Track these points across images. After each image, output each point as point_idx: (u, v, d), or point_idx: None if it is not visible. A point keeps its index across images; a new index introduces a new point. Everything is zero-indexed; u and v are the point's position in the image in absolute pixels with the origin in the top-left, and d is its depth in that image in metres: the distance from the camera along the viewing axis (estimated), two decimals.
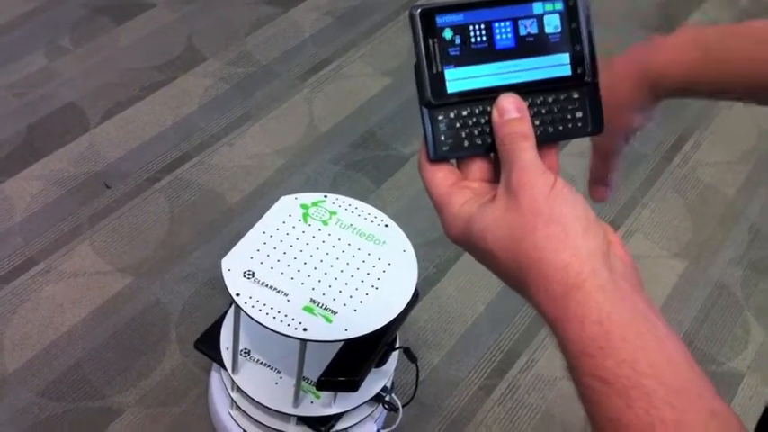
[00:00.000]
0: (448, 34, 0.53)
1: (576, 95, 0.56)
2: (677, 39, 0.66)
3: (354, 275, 1.17)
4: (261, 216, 1.23)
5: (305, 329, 1.09)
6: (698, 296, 1.87)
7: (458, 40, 0.54)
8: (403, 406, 1.39)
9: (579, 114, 0.56)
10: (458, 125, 0.54)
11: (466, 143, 0.54)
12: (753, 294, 1.89)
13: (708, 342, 1.78)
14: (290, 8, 2.47)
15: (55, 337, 1.61)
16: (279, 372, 1.29)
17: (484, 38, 0.54)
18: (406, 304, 1.15)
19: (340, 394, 1.26)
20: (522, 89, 0.54)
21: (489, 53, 0.54)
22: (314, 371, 1.21)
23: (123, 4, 2.39)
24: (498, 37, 0.54)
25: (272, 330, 1.09)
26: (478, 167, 0.55)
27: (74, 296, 1.68)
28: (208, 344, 1.32)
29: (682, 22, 2.54)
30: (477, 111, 0.54)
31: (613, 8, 2.55)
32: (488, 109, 0.54)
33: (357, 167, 2.02)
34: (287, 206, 1.25)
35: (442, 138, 0.54)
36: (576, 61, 0.55)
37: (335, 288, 1.15)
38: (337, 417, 1.29)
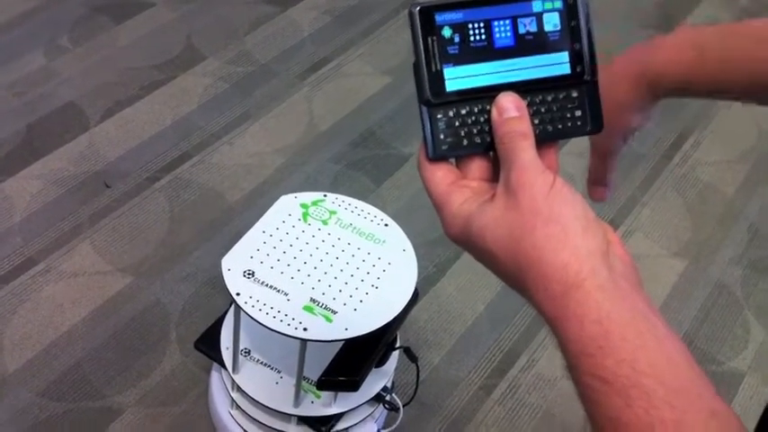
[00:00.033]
0: (447, 32, 0.53)
1: (575, 94, 0.56)
2: (675, 38, 0.66)
3: (354, 275, 1.17)
4: (261, 215, 1.23)
5: (305, 329, 1.09)
6: (698, 296, 1.87)
7: (457, 39, 0.54)
8: (403, 406, 1.39)
9: (578, 113, 0.56)
10: (457, 124, 0.54)
11: (465, 142, 0.54)
12: (753, 294, 1.89)
13: (708, 342, 1.78)
14: (289, 7, 2.47)
15: (55, 337, 1.61)
16: (279, 371, 1.29)
17: (483, 36, 0.54)
18: (406, 304, 1.15)
19: (340, 394, 1.26)
20: (522, 88, 0.54)
21: (488, 51, 0.54)
22: (314, 371, 1.21)
23: (122, 3, 2.39)
24: (497, 35, 0.54)
25: (272, 330, 1.09)
26: (478, 166, 0.55)
27: (74, 296, 1.68)
28: (208, 344, 1.32)
29: (681, 21, 2.54)
30: (476, 109, 0.54)
31: (613, 7, 2.55)
32: (487, 108, 0.54)
33: (357, 166, 2.02)
34: (287, 205, 1.25)
35: (441, 136, 0.54)
36: (575, 60, 0.55)
37: (335, 287, 1.15)
38: (338, 417, 1.28)
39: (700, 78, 0.65)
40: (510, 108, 0.53)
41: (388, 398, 1.34)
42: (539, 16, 0.55)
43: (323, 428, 1.28)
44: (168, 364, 1.59)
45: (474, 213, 0.51)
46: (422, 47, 0.53)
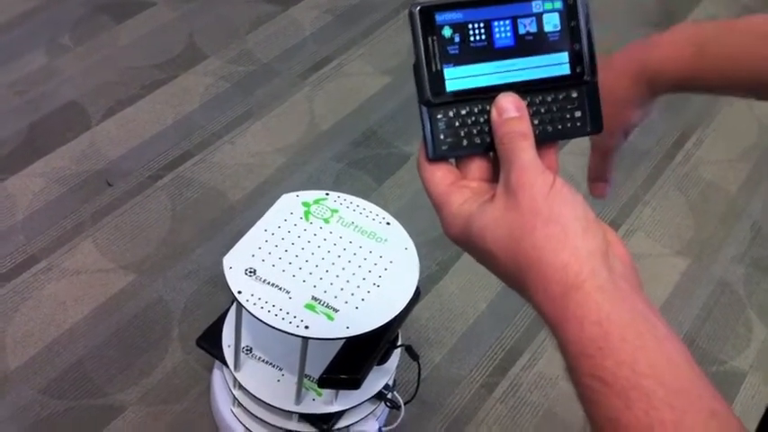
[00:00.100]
0: (447, 32, 0.53)
1: (575, 94, 0.56)
2: (674, 35, 0.66)
3: (356, 273, 1.17)
4: (262, 214, 1.23)
5: (306, 327, 1.09)
6: (700, 294, 1.87)
7: (457, 39, 0.53)
8: (405, 404, 1.39)
9: (578, 114, 0.56)
10: (457, 124, 0.54)
11: (465, 142, 0.54)
12: (755, 292, 1.89)
13: (710, 341, 1.78)
14: (290, 6, 2.47)
15: (57, 335, 1.61)
16: (281, 369, 1.29)
17: (483, 36, 0.54)
18: (407, 302, 1.15)
19: (342, 392, 1.26)
20: (522, 88, 0.54)
21: (488, 52, 0.54)
22: (316, 368, 1.21)
23: (123, 3, 2.39)
24: (497, 35, 0.54)
25: (273, 328, 1.09)
26: (477, 167, 0.55)
27: (76, 294, 1.68)
28: (210, 341, 1.32)
29: (683, 19, 2.54)
30: (476, 110, 0.54)
31: (614, 5, 2.54)
32: (487, 108, 0.54)
33: (358, 165, 2.02)
34: (288, 204, 1.25)
35: (441, 137, 0.54)
36: (575, 60, 0.55)
37: (337, 286, 1.15)
38: (339, 414, 1.29)
39: (699, 75, 0.65)
40: (510, 108, 0.53)
41: (389, 396, 1.34)
42: (539, 17, 0.54)
43: (324, 426, 1.28)
44: (170, 361, 1.60)
45: (474, 214, 0.51)
46: (422, 47, 0.53)
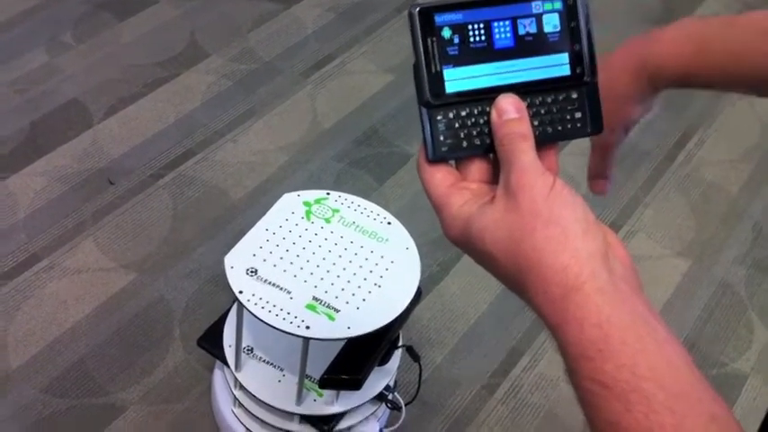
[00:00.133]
0: (447, 33, 0.53)
1: (575, 95, 0.56)
2: (675, 31, 0.66)
3: (357, 273, 1.17)
4: (264, 213, 1.23)
5: (307, 327, 1.09)
6: (701, 296, 1.86)
7: (456, 40, 0.53)
8: (406, 405, 1.39)
9: (578, 115, 0.56)
10: (457, 125, 0.54)
11: (465, 144, 0.54)
12: (756, 294, 1.88)
13: (711, 342, 1.77)
14: (293, 4, 2.46)
15: (58, 334, 1.61)
16: (282, 370, 1.29)
17: (483, 37, 0.54)
18: (408, 302, 1.15)
19: (343, 393, 1.26)
20: (521, 89, 0.54)
21: (488, 53, 0.54)
22: (317, 369, 1.21)
23: (125, 0, 2.39)
24: (497, 36, 0.54)
25: (274, 328, 1.09)
26: (477, 168, 0.55)
27: (77, 293, 1.68)
28: (211, 341, 1.32)
29: (684, 17, 2.53)
30: (476, 111, 0.54)
31: (614, 5, 2.54)
32: (487, 109, 0.54)
33: (360, 165, 2.02)
34: (290, 203, 1.25)
35: (441, 138, 0.54)
36: (575, 61, 0.55)
37: (338, 286, 1.15)
38: (340, 415, 1.29)
39: (700, 71, 0.65)
40: (510, 110, 0.52)
41: (390, 397, 1.34)
42: (538, 17, 0.54)
43: (325, 427, 1.28)
44: (171, 361, 1.60)
45: (474, 215, 0.51)
46: (421, 48, 0.53)
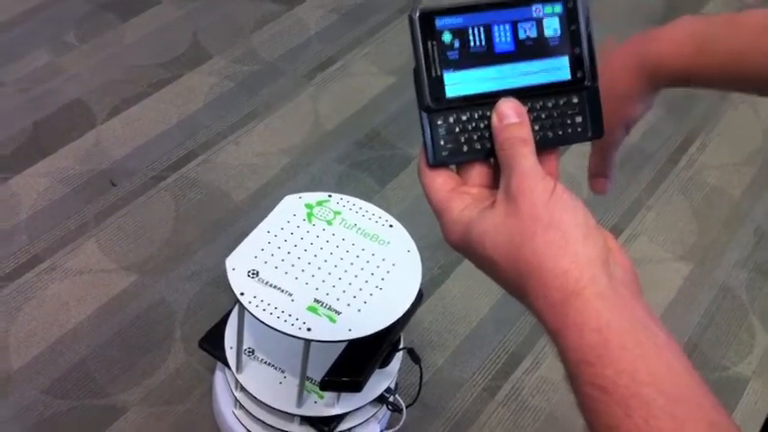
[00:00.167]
0: (447, 37, 0.53)
1: (575, 100, 0.56)
2: (674, 30, 0.65)
3: (358, 275, 1.17)
4: (266, 215, 1.23)
5: (309, 329, 1.09)
6: (703, 299, 1.86)
7: (457, 44, 0.53)
8: (407, 407, 1.39)
9: (579, 119, 0.56)
10: (457, 130, 0.54)
11: (465, 148, 0.54)
12: (758, 298, 1.88)
13: (712, 346, 1.77)
14: (296, 5, 2.47)
15: (60, 335, 1.61)
16: (283, 371, 1.29)
17: (483, 41, 0.54)
18: (410, 305, 1.15)
19: (344, 395, 1.26)
20: (522, 93, 0.54)
21: (488, 57, 0.54)
22: (318, 371, 1.21)
23: (129, 0, 2.40)
24: (497, 40, 0.54)
25: (275, 330, 1.09)
26: (478, 173, 0.55)
27: (79, 294, 1.68)
28: (212, 343, 1.32)
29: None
30: (476, 115, 0.54)
31: (616, 5, 2.54)
32: (488, 114, 0.54)
33: (362, 167, 2.02)
34: (291, 205, 1.25)
35: (442, 143, 0.54)
36: (575, 65, 0.55)
37: (339, 288, 1.15)
38: (341, 417, 1.29)
39: (700, 70, 0.64)
40: (510, 114, 0.52)
41: (391, 399, 1.34)
42: (539, 21, 0.54)
43: (326, 429, 1.28)
44: (172, 362, 1.60)
45: (474, 220, 0.51)
46: (422, 52, 0.53)
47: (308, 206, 1.26)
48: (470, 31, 0.53)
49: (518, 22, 0.54)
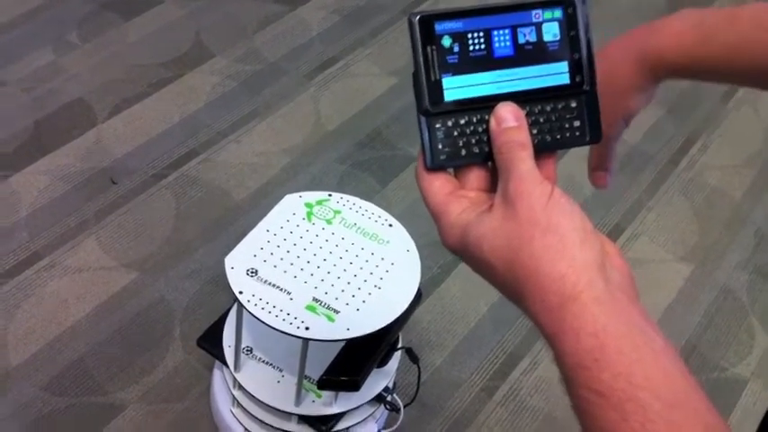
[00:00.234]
0: (446, 42, 0.53)
1: (574, 104, 0.56)
2: (676, 21, 0.65)
3: (357, 275, 1.17)
4: (266, 214, 1.23)
5: (307, 328, 1.09)
6: (703, 300, 1.86)
7: (456, 48, 0.53)
8: (404, 406, 1.39)
9: (577, 123, 0.56)
10: (455, 134, 0.54)
11: (463, 152, 0.54)
12: (758, 299, 1.88)
13: (712, 347, 1.77)
14: (298, 6, 2.47)
15: (59, 332, 1.62)
16: (281, 370, 1.29)
17: (482, 46, 0.54)
18: (408, 304, 1.15)
19: (341, 394, 1.26)
20: (521, 98, 0.54)
21: (488, 61, 0.54)
22: (316, 370, 1.21)
23: (131, 0, 2.40)
24: (497, 45, 0.54)
25: (274, 329, 1.09)
26: (476, 176, 0.55)
27: (78, 291, 1.68)
28: (210, 341, 1.33)
29: None
30: (474, 119, 0.54)
31: (618, 6, 2.54)
32: (486, 117, 0.54)
33: (363, 167, 2.02)
34: (291, 204, 1.25)
35: (440, 146, 0.54)
36: (574, 69, 0.55)
37: (338, 287, 1.15)
38: (338, 416, 1.29)
39: (701, 62, 0.64)
40: (508, 118, 0.52)
41: (389, 398, 1.34)
42: (538, 26, 0.54)
43: (323, 428, 1.28)
44: (171, 360, 1.60)
45: (472, 223, 0.51)
46: (421, 56, 0.53)
47: (308, 205, 1.26)
48: (470, 35, 0.53)
49: (518, 27, 0.54)
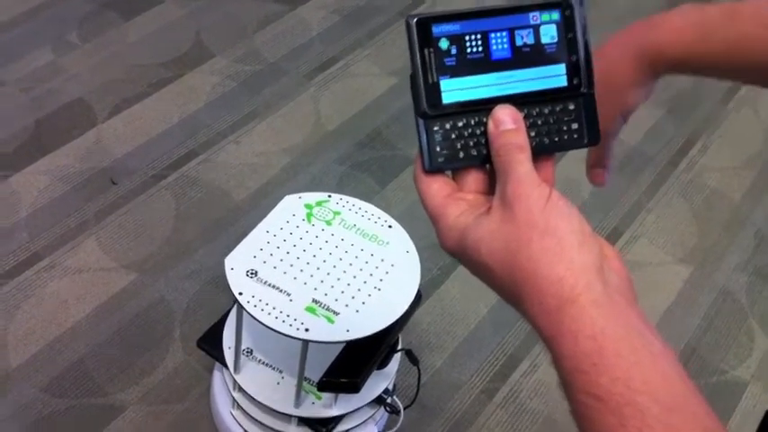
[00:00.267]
0: (444, 44, 0.53)
1: (572, 107, 0.56)
2: (676, 17, 0.65)
3: (357, 276, 1.17)
4: (266, 215, 1.23)
5: (307, 330, 1.09)
6: (702, 302, 1.86)
7: (454, 51, 0.53)
8: (404, 408, 1.39)
9: (575, 126, 0.56)
10: (453, 136, 0.54)
11: (461, 154, 0.54)
12: (757, 301, 1.88)
13: (711, 349, 1.77)
14: (298, 6, 2.47)
15: (58, 333, 1.62)
16: (281, 372, 1.29)
17: (480, 48, 0.54)
18: (408, 306, 1.15)
19: (341, 396, 1.26)
20: (519, 100, 0.54)
21: (485, 64, 0.54)
22: (316, 371, 1.21)
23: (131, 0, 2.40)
24: (494, 47, 0.54)
25: (273, 330, 1.09)
26: (474, 179, 0.55)
27: (78, 292, 1.68)
28: (210, 342, 1.32)
29: None
30: (472, 122, 0.54)
31: (617, 6, 2.54)
32: (484, 120, 0.54)
33: (363, 167, 2.02)
34: (291, 205, 1.25)
35: (438, 149, 0.54)
36: (572, 72, 0.55)
37: (338, 289, 1.15)
38: (338, 418, 1.29)
39: (700, 58, 0.64)
40: (506, 120, 0.52)
41: (389, 400, 1.34)
42: (536, 28, 0.54)
43: (323, 430, 1.28)
44: (171, 361, 1.60)
45: (470, 226, 0.51)
46: (419, 58, 0.53)
47: (308, 206, 1.26)
48: (467, 37, 0.53)
49: (515, 30, 0.54)
